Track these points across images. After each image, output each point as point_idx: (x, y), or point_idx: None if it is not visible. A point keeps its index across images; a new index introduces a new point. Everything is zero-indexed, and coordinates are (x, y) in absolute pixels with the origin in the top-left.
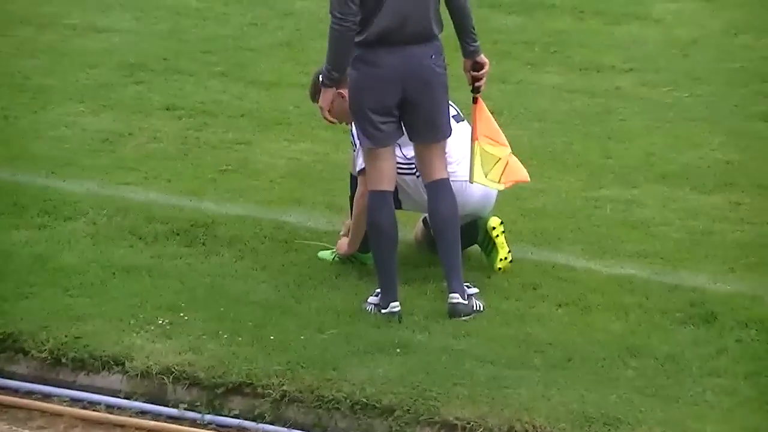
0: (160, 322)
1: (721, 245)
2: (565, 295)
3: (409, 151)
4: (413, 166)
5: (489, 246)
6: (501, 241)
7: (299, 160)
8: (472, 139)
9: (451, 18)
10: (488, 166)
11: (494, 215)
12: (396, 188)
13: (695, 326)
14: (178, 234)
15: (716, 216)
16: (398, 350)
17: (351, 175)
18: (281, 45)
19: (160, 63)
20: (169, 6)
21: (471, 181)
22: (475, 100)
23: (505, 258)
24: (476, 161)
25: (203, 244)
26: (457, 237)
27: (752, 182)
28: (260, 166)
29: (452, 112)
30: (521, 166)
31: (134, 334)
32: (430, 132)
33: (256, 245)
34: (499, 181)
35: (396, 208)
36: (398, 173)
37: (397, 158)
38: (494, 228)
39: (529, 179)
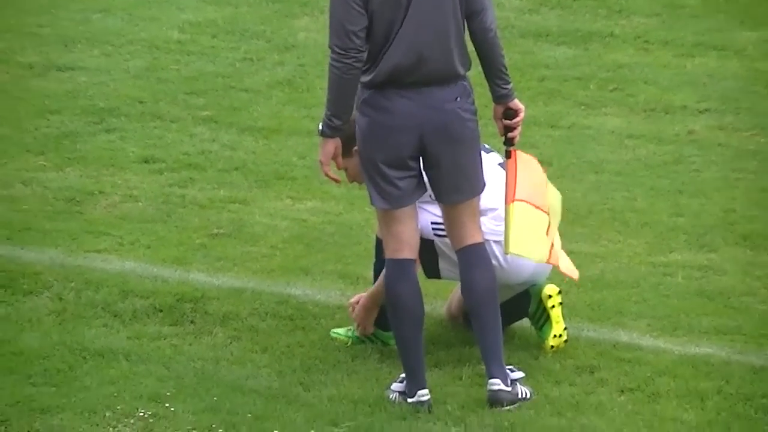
0: (142, 414)
1: None
2: (628, 380)
3: None
4: None
5: (542, 319)
6: (557, 314)
7: (305, 221)
8: (507, 202)
9: (477, 53)
10: (529, 234)
11: (550, 283)
12: (436, 253)
13: None
14: (161, 310)
15: None
16: None
17: (377, 238)
18: (281, 84)
19: (135, 107)
20: (144, 39)
21: (506, 251)
22: (508, 155)
23: (560, 335)
24: (512, 228)
25: (192, 322)
26: (496, 313)
27: None
28: (258, 229)
29: (496, 159)
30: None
31: (111, 429)
32: (457, 189)
33: (255, 323)
34: (547, 260)
35: (434, 277)
36: (436, 235)
37: (434, 216)
38: (551, 297)
39: (577, 277)
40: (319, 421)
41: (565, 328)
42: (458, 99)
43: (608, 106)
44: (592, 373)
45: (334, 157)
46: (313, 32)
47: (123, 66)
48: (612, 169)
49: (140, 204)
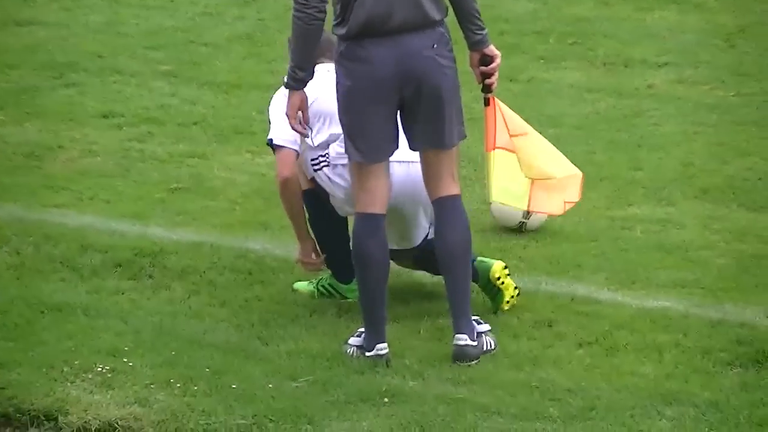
0: (100, 369)
1: None
2: (586, 333)
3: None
4: (326, 156)
5: (493, 292)
6: (507, 283)
7: (265, 176)
8: (487, 149)
9: (449, 0)
10: (510, 182)
11: (496, 260)
12: (325, 192)
13: (743, 368)
14: (119, 265)
15: None
16: (386, 400)
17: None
18: (241, 38)
19: (94, 62)
20: None
21: (489, 199)
22: (487, 102)
23: (513, 297)
24: (494, 176)
25: (150, 276)
26: (467, 267)
27: None
28: (217, 184)
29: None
30: (569, 189)
31: (69, 384)
32: (434, 139)
33: (214, 277)
34: (527, 207)
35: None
36: (315, 170)
37: (312, 153)
38: (498, 278)
39: (560, 213)
40: (278, 375)
41: (516, 287)
42: (435, 46)
43: (568, 60)
44: (550, 326)
45: (301, 110)
46: None
47: (82, 20)
48: (571, 122)
49: (99, 159)
